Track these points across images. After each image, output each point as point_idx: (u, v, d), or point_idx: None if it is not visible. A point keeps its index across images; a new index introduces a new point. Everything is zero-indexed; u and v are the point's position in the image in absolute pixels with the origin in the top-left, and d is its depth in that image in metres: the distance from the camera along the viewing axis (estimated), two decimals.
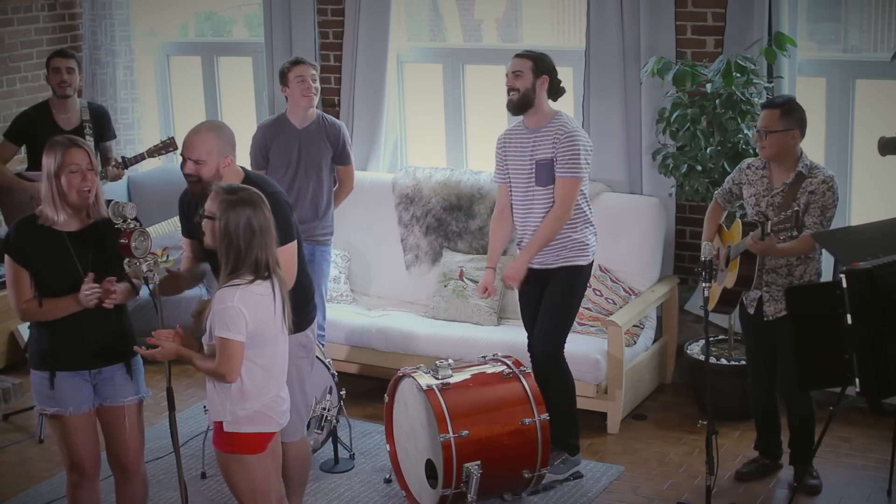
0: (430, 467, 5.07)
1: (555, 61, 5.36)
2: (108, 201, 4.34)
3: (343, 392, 5.66)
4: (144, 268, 4.23)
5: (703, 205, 5.75)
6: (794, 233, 4.66)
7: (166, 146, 6.49)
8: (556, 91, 5.33)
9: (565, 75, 5.45)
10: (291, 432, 4.52)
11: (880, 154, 5.01)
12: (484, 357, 5.41)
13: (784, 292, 4.87)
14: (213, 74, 7.95)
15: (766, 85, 5.96)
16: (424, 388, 5.03)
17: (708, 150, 5.95)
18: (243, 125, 7.12)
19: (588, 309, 6.19)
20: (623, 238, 6.34)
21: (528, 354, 5.52)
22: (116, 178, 6.55)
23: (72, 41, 8.05)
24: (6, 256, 4.34)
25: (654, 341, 6.45)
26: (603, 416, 5.97)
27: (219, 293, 3.97)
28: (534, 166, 5.28)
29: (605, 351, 5.88)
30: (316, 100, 6.09)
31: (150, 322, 4.60)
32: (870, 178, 6.19)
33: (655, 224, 6.35)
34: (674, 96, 6.05)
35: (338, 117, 6.96)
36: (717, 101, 5.88)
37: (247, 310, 3.94)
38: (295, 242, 4.48)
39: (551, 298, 5.34)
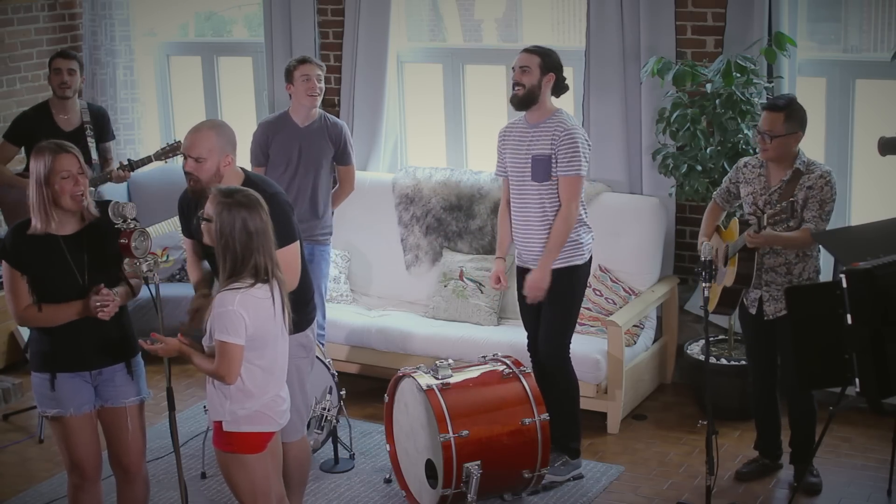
0: (430, 467, 5.07)
1: None
2: (108, 202, 4.34)
3: (343, 392, 5.67)
4: (144, 268, 4.23)
5: (703, 205, 5.75)
6: (791, 223, 4.67)
7: (173, 149, 6.48)
8: (559, 89, 5.32)
9: (565, 75, 5.45)
10: (291, 432, 4.52)
11: (880, 154, 5.01)
12: (484, 357, 5.41)
13: (784, 292, 4.87)
14: (213, 74, 7.95)
15: (766, 85, 5.96)
16: (424, 388, 5.03)
17: (708, 150, 5.95)
18: (243, 125, 7.11)
19: (588, 309, 6.19)
20: (623, 238, 6.34)
21: (528, 354, 5.52)
22: (122, 180, 6.55)
23: (72, 41, 8.05)
24: (3, 262, 4.33)
25: (654, 341, 6.45)
26: (603, 416, 5.97)
27: (219, 296, 3.97)
28: (530, 161, 5.28)
29: (605, 351, 5.88)
30: (319, 100, 6.09)
31: (150, 322, 4.61)
32: (870, 178, 6.19)
33: (655, 224, 6.35)
34: (674, 96, 6.05)
35: (338, 117, 6.95)
36: (717, 101, 5.88)
37: (247, 313, 3.94)
38: (297, 243, 4.48)
39: (552, 300, 5.34)
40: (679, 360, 6.51)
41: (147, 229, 4.32)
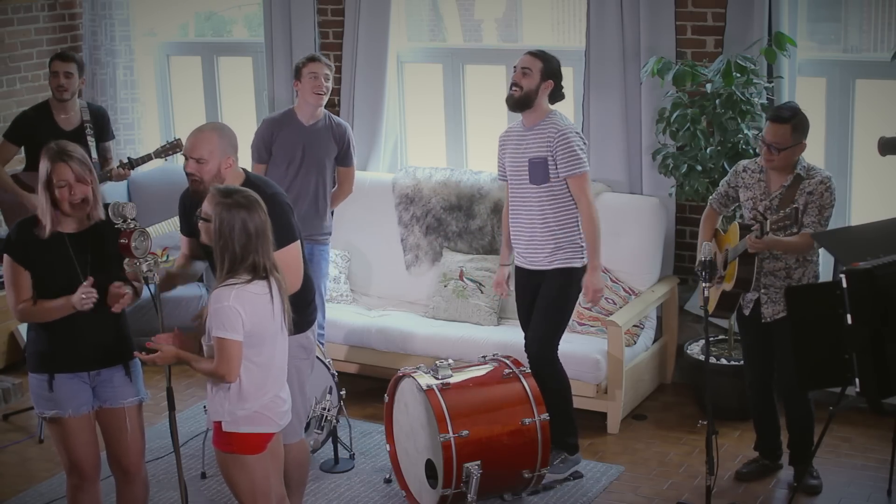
0: (430, 467, 5.07)
1: None
2: (107, 203, 4.34)
3: (343, 392, 5.67)
4: (144, 268, 4.24)
5: (703, 205, 5.74)
6: (794, 230, 4.67)
7: (173, 147, 6.48)
8: (556, 96, 5.34)
9: (565, 75, 5.46)
10: (290, 434, 4.52)
11: (880, 154, 5.01)
12: (484, 357, 5.41)
13: (784, 292, 4.87)
14: (213, 74, 7.95)
15: (766, 85, 5.96)
16: (424, 388, 5.03)
17: (708, 150, 5.95)
18: (243, 125, 7.11)
19: (588, 309, 6.19)
20: (623, 238, 6.34)
21: (525, 354, 5.52)
22: (122, 178, 6.55)
23: (72, 41, 8.05)
24: (6, 256, 4.34)
25: (654, 341, 6.45)
26: (603, 416, 5.97)
27: (214, 293, 3.97)
28: (527, 164, 5.28)
29: (605, 351, 5.88)
30: (325, 99, 6.07)
31: (149, 322, 4.60)
32: (870, 178, 6.19)
33: (655, 224, 6.35)
34: (674, 96, 6.05)
35: (338, 116, 6.95)
36: (717, 101, 5.88)
37: (243, 309, 3.93)
38: (297, 243, 4.48)
39: (544, 300, 5.35)
40: (679, 360, 6.51)
41: (147, 229, 4.32)
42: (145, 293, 4.47)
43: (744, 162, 5.26)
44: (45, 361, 4.38)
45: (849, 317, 4.33)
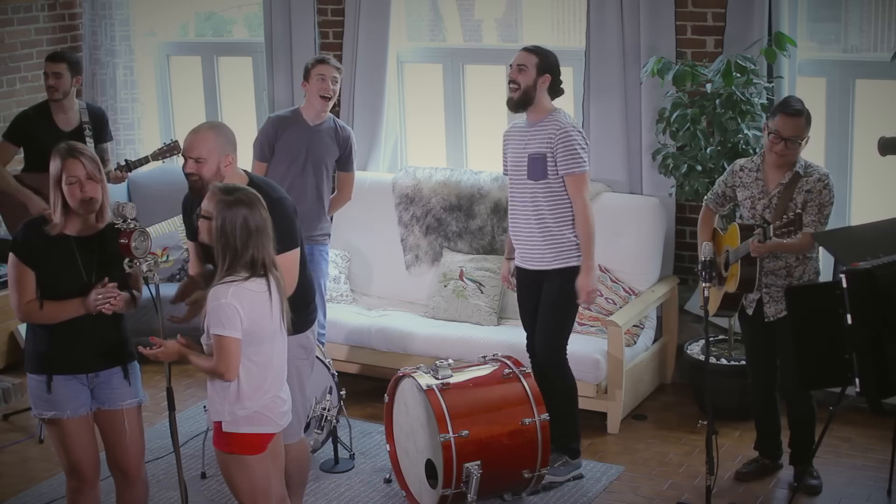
0: (430, 467, 5.07)
1: None
2: None
3: (343, 392, 5.66)
4: (144, 268, 4.24)
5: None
6: (798, 234, 4.68)
7: (170, 149, 6.47)
8: (555, 91, 5.32)
9: (565, 75, 5.45)
10: (290, 434, 4.51)
11: (880, 154, 5.01)
12: (484, 357, 5.41)
13: (784, 292, 4.88)
14: (213, 74, 7.95)
15: (766, 85, 5.96)
16: (424, 388, 5.03)
17: (708, 150, 5.95)
18: (243, 125, 7.12)
19: (588, 309, 6.18)
20: (623, 238, 6.34)
21: (528, 355, 5.52)
22: (119, 181, 6.53)
23: (72, 41, 8.05)
24: (12, 256, 4.34)
25: (654, 341, 6.45)
26: (603, 416, 5.97)
27: (212, 291, 3.96)
28: (526, 160, 5.28)
29: (605, 351, 5.88)
30: (331, 102, 6.05)
31: (150, 322, 4.60)
32: (870, 178, 6.19)
33: (655, 224, 6.35)
34: (674, 96, 6.05)
35: (337, 117, 6.95)
36: (717, 101, 5.88)
37: (241, 306, 3.93)
38: (297, 251, 4.47)
39: (549, 300, 5.34)
40: (679, 360, 6.51)
41: (147, 229, 4.32)
42: (145, 293, 4.47)
43: (740, 161, 5.26)
44: (44, 363, 4.38)
45: (849, 317, 4.33)
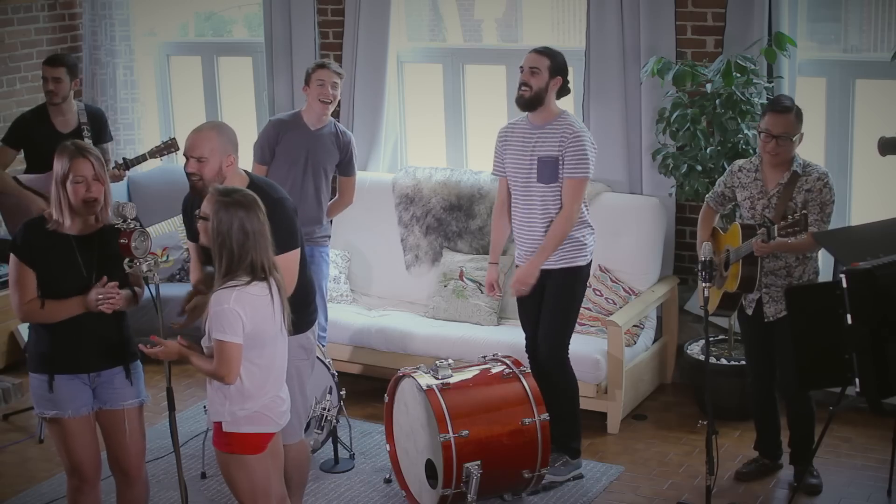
0: (430, 467, 5.07)
1: None
2: None
3: (343, 392, 5.67)
4: (144, 268, 4.24)
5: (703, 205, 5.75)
6: (803, 235, 4.69)
7: (168, 147, 6.48)
8: (563, 92, 5.33)
9: (568, 78, 5.45)
10: (290, 434, 4.51)
11: (880, 154, 5.00)
12: (484, 357, 5.41)
13: (784, 292, 4.88)
14: (213, 74, 7.95)
15: (766, 85, 5.96)
16: (424, 388, 5.03)
17: (708, 150, 5.95)
18: (243, 125, 7.12)
19: (588, 309, 6.19)
20: (623, 238, 6.34)
21: (527, 355, 5.52)
22: (118, 179, 6.52)
23: (72, 41, 8.05)
24: (12, 256, 4.34)
25: (654, 341, 6.45)
26: (603, 416, 5.97)
27: (214, 295, 3.96)
28: (535, 163, 5.27)
29: (605, 351, 5.89)
30: (331, 107, 6.05)
31: (150, 322, 4.60)
32: (870, 178, 6.19)
33: (655, 224, 6.35)
34: (674, 96, 6.05)
35: (337, 117, 6.96)
36: (717, 101, 5.88)
37: (243, 311, 3.93)
38: (297, 251, 4.47)
39: (552, 300, 5.34)
40: (679, 360, 6.51)
41: (147, 229, 4.32)
42: (146, 293, 4.47)
43: (739, 162, 5.26)
44: (46, 362, 4.38)
45: (849, 317, 4.33)
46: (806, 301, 4.59)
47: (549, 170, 5.24)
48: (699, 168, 5.93)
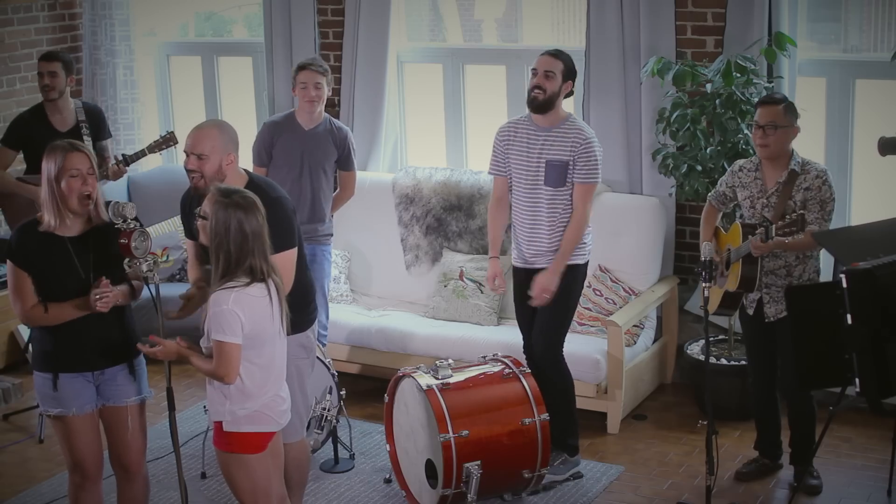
0: (430, 467, 5.07)
1: None
2: (108, 202, 4.34)
3: (343, 392, 5.67)
4: (144, 268, 4.24)
5: (703, 205, 5.75)
6: (800, 235, 4.69)
7: (167, 141, 6.48)
8: (569, 94, 5.35)
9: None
10: (291, 434, 4.52)
11: (880, 154, 5.00)
12: (484, 357, 5.41)
13: (784, 292, 4.88)
14: (213, 74, 7.96)
15: (766, 85, 5.96)
16: (424, 388, 5.03)
17: (708, 150, 5.95)
18: (243, 125, 7.10)
19: (588, 309, 6.19)
20: (623, 238, 6.34)
21: (524, 356, 5.52)
22: (118, 175, 6.52)
23: (72, 41, 8.05)
24: (9, 262, 4.33)
25: (654, 341, 6.45)
26: (603, 416, 5.97)
27: (213, 296, 3.97)
28: (543, 166, 5.28)
29: (605, 351, 5.88)
30: (318, 106, 6.05)
31: (150, 322, 4.60)
32: (870, 178, 6.19)
33: (655, 224, 6.35)
34: (674, 96, 6.05)
35: (338, 117, 6.96)
36: (717, 101, 5.88)
37: (242, 312, 3.94)
38: (294, 250, 4.47)
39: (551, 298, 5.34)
40: (679, 360, 6.51)
41: (147, 229, 4.32)
42: (145, 293, 4.47)
43: (739, 161, 5.27)
44: (50, 361, 4.38)
45: (849, 317, 4.33)
46: (806, 301, 4.59)
47: (557, 173, 5.25)
48: (699, 168, 5.93)
